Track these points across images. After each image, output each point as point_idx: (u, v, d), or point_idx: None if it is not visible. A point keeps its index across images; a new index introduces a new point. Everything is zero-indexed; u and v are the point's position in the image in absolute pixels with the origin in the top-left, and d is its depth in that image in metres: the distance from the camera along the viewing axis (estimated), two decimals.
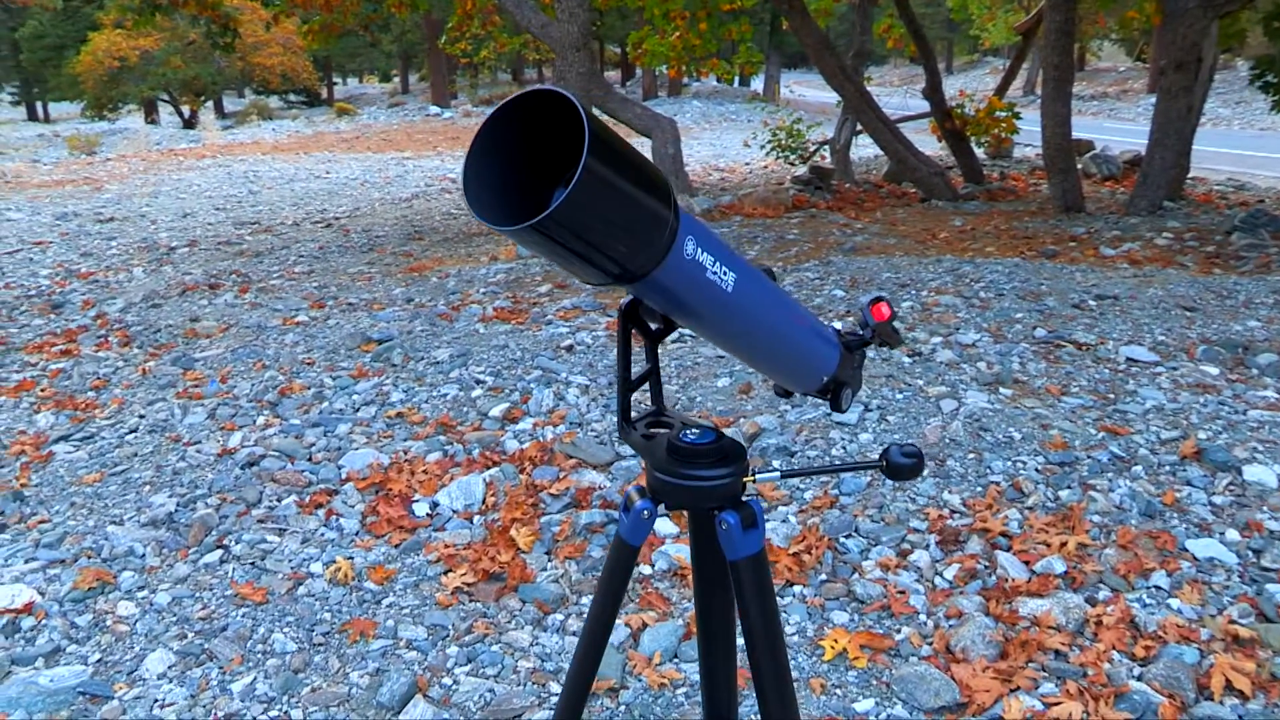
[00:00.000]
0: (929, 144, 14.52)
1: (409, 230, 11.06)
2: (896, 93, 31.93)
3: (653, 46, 13.49)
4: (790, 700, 1.36)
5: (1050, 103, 10.01)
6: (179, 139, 30.41)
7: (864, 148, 15.80)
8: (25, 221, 12.31)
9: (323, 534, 3.53)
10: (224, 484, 3.91)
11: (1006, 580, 3.03)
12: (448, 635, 2.93)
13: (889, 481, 3.66)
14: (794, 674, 2.68)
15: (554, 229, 0.91)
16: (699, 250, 1.07)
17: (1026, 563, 3.12)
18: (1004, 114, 12.54)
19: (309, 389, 5.00)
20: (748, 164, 18.21)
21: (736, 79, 36.96)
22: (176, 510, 3.70)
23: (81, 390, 5.31)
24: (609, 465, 3.95)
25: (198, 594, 3.17)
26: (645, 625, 2.90)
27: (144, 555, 3.40)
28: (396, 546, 3.44)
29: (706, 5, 13.24)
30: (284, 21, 18.96)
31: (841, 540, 3.32)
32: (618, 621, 2.90)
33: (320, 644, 2.90)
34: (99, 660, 2.84)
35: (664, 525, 3.46)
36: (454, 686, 2.69)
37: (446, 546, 3.39)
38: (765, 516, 3.47)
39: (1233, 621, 2.78)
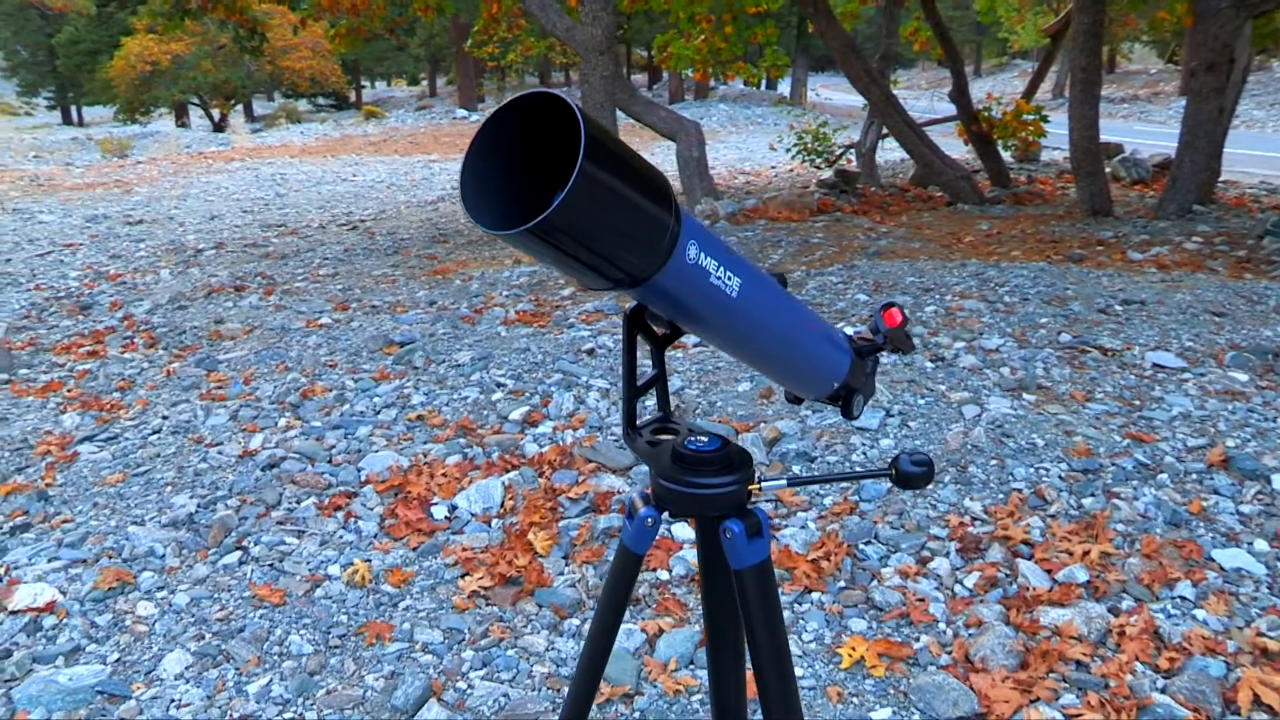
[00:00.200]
0: (956, 148, 14.43)
1: (434, 233, 11.10)
2: (924, 96, 31.74)
3: (678, 50, 13.46)
4: (796, 712, 1.34)
5: (1078, 105, 9.92)
6: (208, 142, 30.71)
7: (890, 151, 15.72)
8: (56, 224, 12.45)
9: (341, 536, 3.54)
10: (244, 485, 3.93)
11: (1028, 589, 2.99)
12: (463, 639, 2.93)
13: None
14: (811, 681, 2.66)
15: (550, 233, 0.89)
16: (702, 255, 1.05)
17: (1048, 571, 3.07)
18: (1031, 117, 12.41)
19: (331, 391, 5.02)
20: (773, 168, 18.16)
21: (763, 82, 36.96)
22: (197, 511, 3.72)
23: (107, 391, 5.36)
24: (628, 470, 3.93)
25: (216, 595, 3.18)
26: (661, 631, 2.89)
27: (164, 556, 3.41)
28: (414, 549, 3.44)
29: (732, 8, 13.21)
30: (312, 25, 19.07)
31: (861, 547, 3.29)
32: (634, 627, 2.89)
33: (336, 646, 2.90)
34: (117, 660, 2.86)
35: (682, 530, 3.45)
36: (469, 691, 2.68)
37: (464, 550, 3.38)
38: (784, 522, 3.46)
39: (1261, 634, 2.73)
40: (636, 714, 2.58)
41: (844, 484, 3.70)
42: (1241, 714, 2.44)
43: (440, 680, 2.72)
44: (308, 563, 3.36)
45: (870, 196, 12.11)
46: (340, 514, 3.69)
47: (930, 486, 3.64)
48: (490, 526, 3.57)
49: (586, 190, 0.87)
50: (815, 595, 3.05)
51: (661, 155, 19.61)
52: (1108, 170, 11.54)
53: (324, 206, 14.20)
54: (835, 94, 43.57)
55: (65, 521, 3.73)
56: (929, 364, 4.85)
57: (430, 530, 3.56)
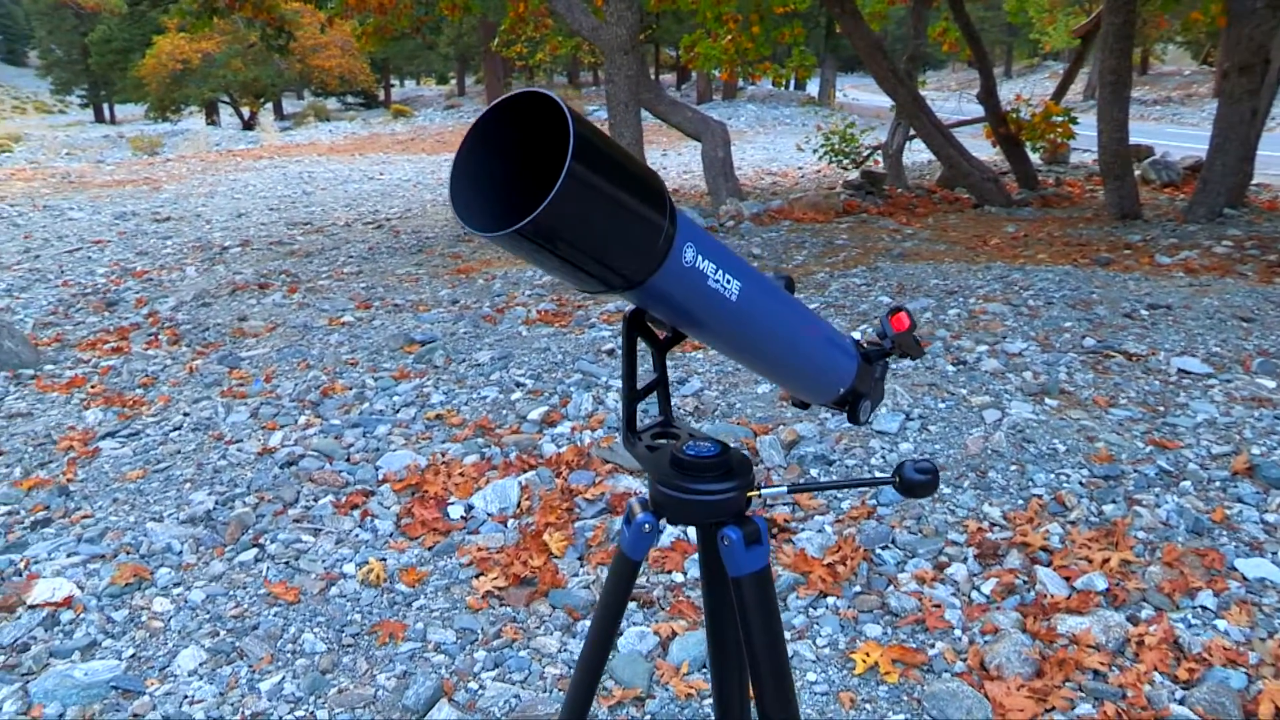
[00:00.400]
0: (984, 149, 14.31)
1: (459, 232, 11.12)
2: (952, 97, 31.53)
3: (705, 50, 13.43)
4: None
5: (1107, 107, 9.80)
6: (238, 140, 30.96)
7: (918, 152, 15.63)
8: (86, 220, 12.59)
9: (357, 535, 3.55)
10: (262, 483, 3.95)
11: (1045, 596, 2.95)
12: (476, 639, 2.92)
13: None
14: (824, 687, 2.64)
15: (539, 235, 0.88)
16: (699, 258, 1.04)
17: (1067, 579, 3.03)
18: (1060, 119, 12.29)
19: (351, 389, 5.03)
20: (800, 168, 18.09)
21: (790, 83, 36.85)
22: (215, 508, 3.74)
23: (130, 387, 5.40)
24: (645, 471, 3.91)
25: (231, 592, 3.19)
26: (674, 634, 2.87)
27: (181, 552, 3.43)
28: (430, 549, 3.44)
29: (759, 8, 13.16)
30: (341, 24, 19.19)
31: (878, 551, 3.26)
32: (646, 630, 2.88)
33: (349, 645, 2.91)
34: (132, 655, 2.87)
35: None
36: (480, 691, 2.68)
37: (479, 550, 3.38)
38: (801, 526, 3.44)
39: None
40: (647, 717, 2.56)
41: (861, 489, 3.67)
42: None
43: (452, 680, 2.72)
44: (323, 561, 3.37)
45: (896, 198, 12.03)
46: (357, 512, 3.70)
47: (949, 491, 3.60)
48: (506, 527, 3.57)
49: (575, 191, 0.86)
50: (830, 600, 3.03)
51: (688, 155, 19.60)
52: (1137, 173, 11.40)
53: (350, 205, 14.28)
54: (863, 95, 43.39)
55: (85, 517, 3.76)
56: (950, 367, 4.81)
57: (446, 530, 3.56)
